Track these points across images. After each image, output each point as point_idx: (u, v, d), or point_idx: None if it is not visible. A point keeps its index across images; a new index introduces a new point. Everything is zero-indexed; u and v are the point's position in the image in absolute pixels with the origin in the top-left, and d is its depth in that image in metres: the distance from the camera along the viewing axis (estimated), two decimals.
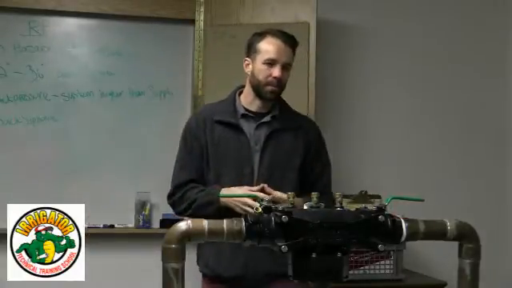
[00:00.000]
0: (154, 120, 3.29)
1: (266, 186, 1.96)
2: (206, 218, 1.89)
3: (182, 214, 2.08)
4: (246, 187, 1.97)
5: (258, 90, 2.06)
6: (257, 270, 2.01)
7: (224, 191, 1.99)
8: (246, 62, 2.10)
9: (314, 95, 3.05)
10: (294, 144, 2.09)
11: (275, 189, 1.96)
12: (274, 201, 1.80)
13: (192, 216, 2.00)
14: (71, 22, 3.26)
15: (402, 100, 3.53)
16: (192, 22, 3.28)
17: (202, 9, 3.24)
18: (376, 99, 3.49)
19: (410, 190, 1.84)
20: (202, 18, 3.25)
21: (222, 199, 1.96)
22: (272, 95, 2.06)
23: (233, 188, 1.98)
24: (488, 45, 3.64)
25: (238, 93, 2.16)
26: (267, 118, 2.09)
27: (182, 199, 2.06)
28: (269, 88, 2.04)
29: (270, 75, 2.02)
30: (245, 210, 1.90)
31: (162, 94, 3.32)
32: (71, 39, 3.24)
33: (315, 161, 2.13)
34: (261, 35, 2.07)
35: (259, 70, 2.04)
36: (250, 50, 2.09)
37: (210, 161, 2.07)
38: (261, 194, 1.85)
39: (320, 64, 3.11)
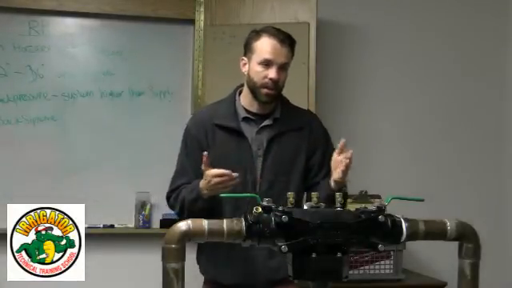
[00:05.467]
0: (153, 120, 3.29)
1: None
2: (201, 212, 1.81)
3: (180, 216, 2.02)
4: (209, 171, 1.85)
5: (253, 92, 1.99)
6: (255, 278, 1.99)
7: (200, 184, 1.90)
8: (243, 61, 2.02)
9: (313, 95, 3.05)
10: (297, 146, 2.02)
11: (279, 193, 1.86)
12: None
13: (190, 216, 1.97)
14: (71, 22, 3.26)
15: (402, 99, 3.53)
16: (192, 21, 3.28)
17: (202, 9, 3.24)
18: (376, 99, 3.49)
19: (411, 190, 1.84)
20: (202, 17, 3.25)
21: (203, 191, 1.87)
22: (268, 98, 1.97)
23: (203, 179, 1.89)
24: (487, 42, 3.64)
25: (238, 92, 2.08)
26: (269, 121, 2.02)
27: (177, 201, 2.01)
28: (264, 91, 1.95)
29: (266, 76, 1.94)
30: (216, 188, 1.81)
31: (162, 94, 3.32)
32: (71, 39, 3.24)
33: (322, 161, 2.03)
34: (257, 34, 1.99)
35: (255, 71, 1.96)
36: (246, 49, 2.01)
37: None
38: None
39: (320, 64, 3.11)
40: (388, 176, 3.40)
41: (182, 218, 2.00)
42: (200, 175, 1.93)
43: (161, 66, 3.31)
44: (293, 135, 2.02)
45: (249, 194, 1.88)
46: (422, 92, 3.55)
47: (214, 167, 1.85)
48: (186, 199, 1.96)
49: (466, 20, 3.61)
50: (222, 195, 1.78)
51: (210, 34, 3.18)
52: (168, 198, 2.07)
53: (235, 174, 1.79)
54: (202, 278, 2.14)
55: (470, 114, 3.61)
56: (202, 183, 1.87)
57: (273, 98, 1.99)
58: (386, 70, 3.51)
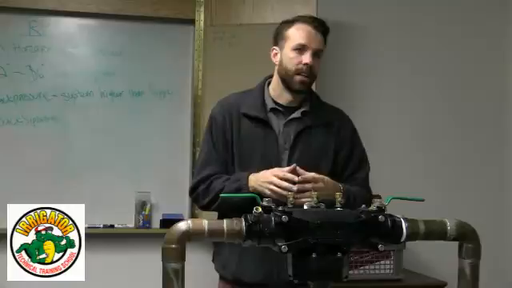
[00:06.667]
0: (154, 120, 3.29)
1: (297, 167, 1.80)
2: (235, 207, 1.64)
3: (207, 207, 1.93)
4: (276, 169, 1.81)
5: (286, 81, 1.92)
6: (280, 278, 1.83)
7: (252, 177, 1.84)
8: (274, 51, 1.97)
9: None
10: (325, 142, 1.95)
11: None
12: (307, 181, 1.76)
13: (217, 209, 1.91)
14: (71, 22, 3.26)
15: (403, 99, 3.53)
16: (192, 21, 3.28)
17: (202, 9, 3.25)
18: (376, 98, 3.49)
19: (411, 190, 1.84)
20: (202, 18, 3.25)
21: (251, 184, 1.81)
22: (302, 86, 1.91)
23: (262, 172, 1.83)
24: (487, 41, 3.64)
25: (267, 83, 2.01)
26: (297, 114, 1.94)
27: (207, 191, 1.90)
28: (299, 78, 1.89)
29: (300, 62, 1.88)
30: (274, 192, 1.75)
31: (162, 94, 3.32)
32: (71, 39, 3.24)
33: (347, 161, 2.00)
34: (290, 22, 1.95)
35: (288, 58, 1.90)
36: (278, 38, 1.96)
37: (235, 157, 1.93)
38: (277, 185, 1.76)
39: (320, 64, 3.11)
40: (388, 176, 3.40)
41: (207, 209, 1.95)
42: (226, 166, 1.92)
43: (161, 66, 3.31)
44: (321, 131, 1.96)
45: (248, 194, 1.86)
46: (422, 92, 3.55)
47: (238, 159, 1.87)
48: (225, 189, 1.85)
49: (467, 19, 3.61)
50: (220, 195, 1.81)
51: (210, 34, 3.18)
52: (195, 188, 1.95)
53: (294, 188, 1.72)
54: (211, 276, 2.09)
55: (470, 114, 3.60)
56: (257, 176, 1.81)
57: (307, 86, 1.94)
58: (385, 70, 3.51)
